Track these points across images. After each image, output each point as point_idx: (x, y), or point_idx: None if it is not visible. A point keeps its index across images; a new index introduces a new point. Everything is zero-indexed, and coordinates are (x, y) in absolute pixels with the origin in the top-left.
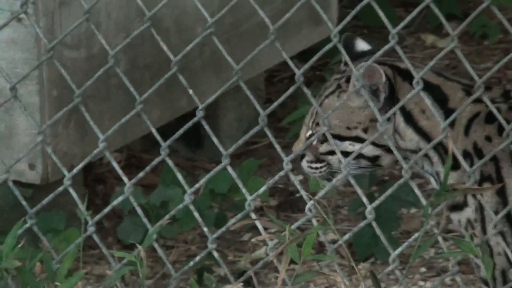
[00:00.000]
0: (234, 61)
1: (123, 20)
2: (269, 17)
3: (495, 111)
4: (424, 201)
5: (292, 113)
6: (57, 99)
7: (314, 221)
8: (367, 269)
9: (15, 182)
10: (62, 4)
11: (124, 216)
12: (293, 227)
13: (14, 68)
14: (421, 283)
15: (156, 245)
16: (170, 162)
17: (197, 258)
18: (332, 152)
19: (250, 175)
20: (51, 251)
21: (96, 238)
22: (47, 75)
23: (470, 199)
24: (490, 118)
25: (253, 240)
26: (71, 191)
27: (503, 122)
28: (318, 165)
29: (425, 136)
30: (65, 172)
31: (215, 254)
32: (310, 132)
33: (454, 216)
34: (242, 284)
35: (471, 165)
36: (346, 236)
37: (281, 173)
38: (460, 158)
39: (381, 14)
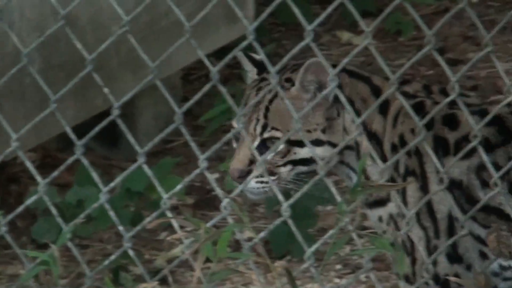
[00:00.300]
0: (150, 59)
1: (37, 18)
2: (185, 15)
3: (408, 106)
4: (339, 198)
5: (208, 111)
6: None
7: (230, 219)
8: (283, 266)
9: None
10: None
11: (39, 215)
12: (208, 225)
13: None
14: (337, 280)
15: (70, 244)
16: (85, 161)
17: (113, 257)
18: (286, 164)
19: (166, 173)
20: None
21: (8, 238)
22: None
23: (394, 194)
24: (415, 110)
25: (169, 238)
26: None
27: (416, 119)
28: (272, 177)
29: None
30: None
31: (131, 252)
32: (257, 142)
33: (375, 212)
34: (158, 282)
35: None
36: (262, 234)
37: (197, 171)
38: (375, 156)
39: (296, 11)
